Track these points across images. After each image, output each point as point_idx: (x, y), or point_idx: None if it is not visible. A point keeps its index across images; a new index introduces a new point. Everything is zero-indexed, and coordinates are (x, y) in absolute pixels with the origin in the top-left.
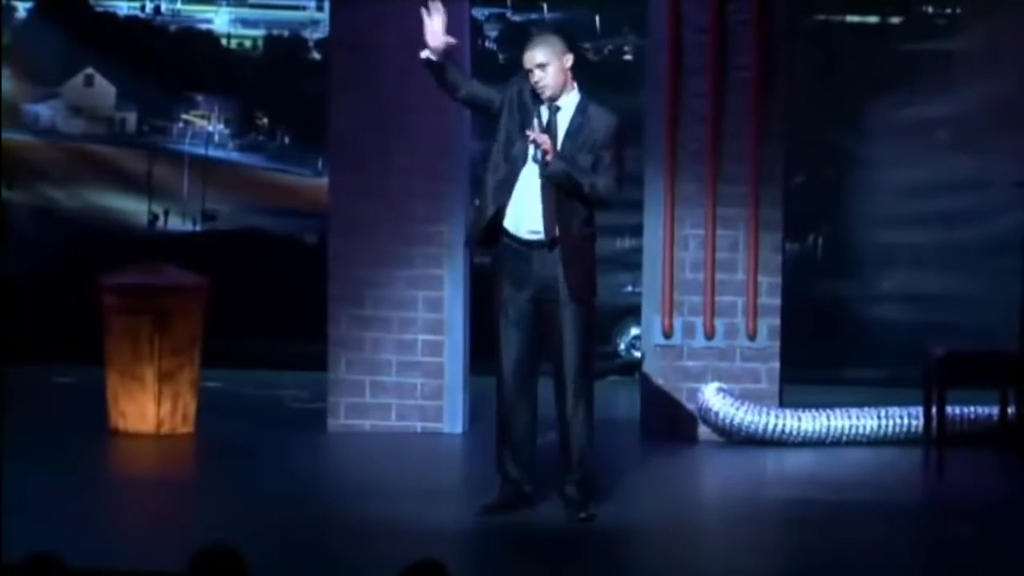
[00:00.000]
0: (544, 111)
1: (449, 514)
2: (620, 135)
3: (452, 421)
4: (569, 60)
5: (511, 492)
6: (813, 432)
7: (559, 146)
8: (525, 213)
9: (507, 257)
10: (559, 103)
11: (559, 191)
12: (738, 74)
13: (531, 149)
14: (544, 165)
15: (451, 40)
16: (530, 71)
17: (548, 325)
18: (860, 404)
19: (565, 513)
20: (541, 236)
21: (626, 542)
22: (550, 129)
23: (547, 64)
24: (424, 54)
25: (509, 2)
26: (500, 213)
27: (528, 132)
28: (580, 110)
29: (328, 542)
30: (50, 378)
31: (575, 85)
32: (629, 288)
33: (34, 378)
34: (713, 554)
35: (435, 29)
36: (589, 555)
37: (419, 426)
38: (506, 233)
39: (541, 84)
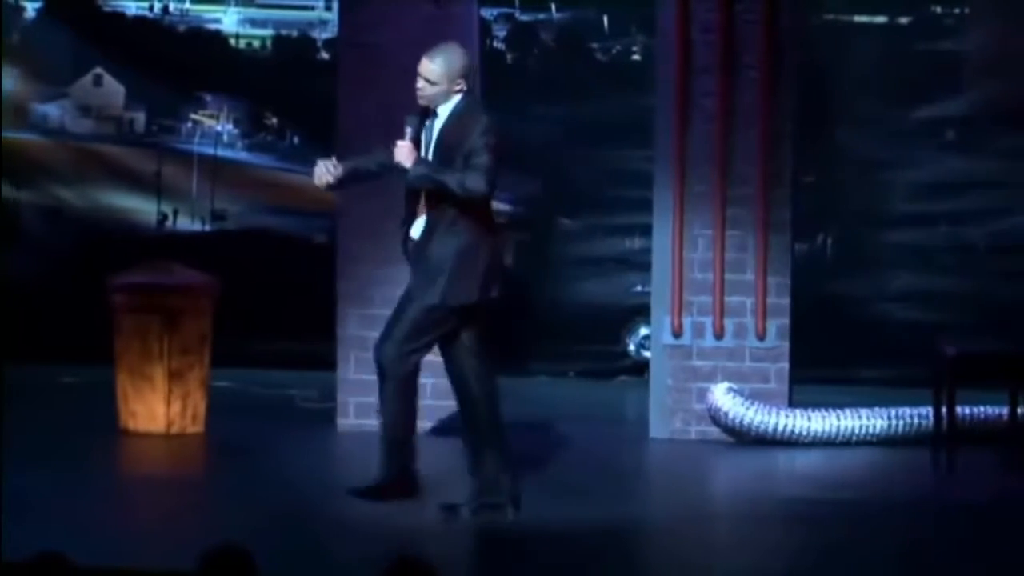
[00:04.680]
0: (415, 120)
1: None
2: (488, 131)
3: None
4: (459, 85)
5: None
6: (823, 432)
7: (431, 152)
8: (416, 217)
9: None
10: (437, 111)
11: (436, 198)
12: (747, 74)
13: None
14: (405, 172)
15: (336, 174)
16: (418, 76)
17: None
18: (870, 404)
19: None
20: (416, 236)
21: (635, 542)
22: (426, 137)
23: (434, 83)
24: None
25: (517, 2)
26: (408, 220)
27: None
28: (453, 114)
29: (337, 541)
30: (59, 378)
31: (460, 95)
32: (638, 288)
33: (43, 378)
34: (722, 554)
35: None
36: (596, 555)
37: (428, 425)
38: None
39: (419, 93)
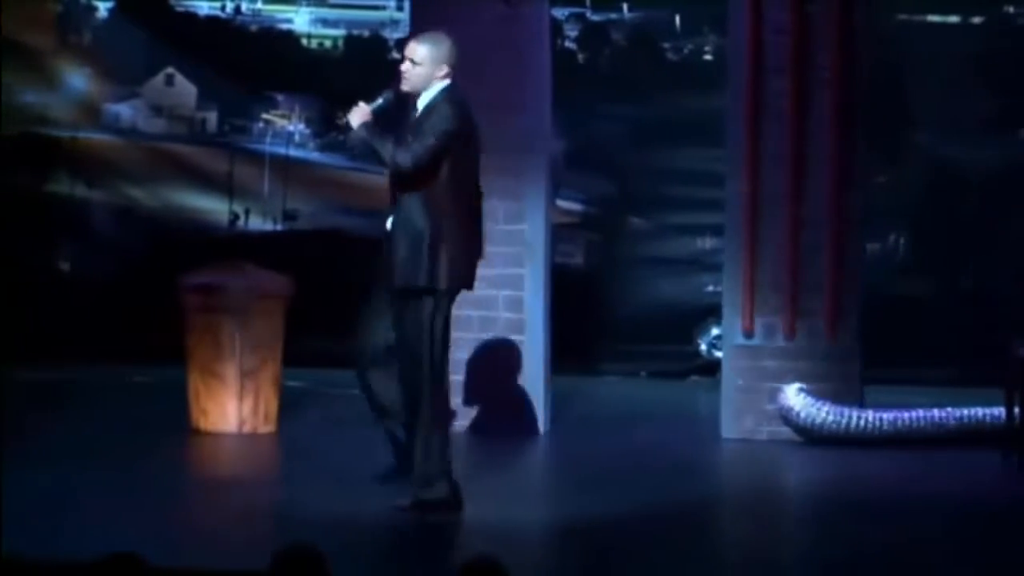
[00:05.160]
0: (389, 96)
1: (526, 514)
2: (446, 118)
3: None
4: (443, 71)
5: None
6: (894, 432)
7: (408, 137)
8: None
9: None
10: (417, 102)
11: (402, 184)
12: (819, 74)
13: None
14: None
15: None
16: (403, 58)
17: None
18: (941, 404)
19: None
20: (388, 227)
21: (702, 538)
22: (406, 126)
23: (419, 64)
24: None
25: (588, 2)
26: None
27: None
28: (429, 104)
29: (407, 541)
30: (131, 377)
31: (441, 85)
32: (710, 288)
33: (115, 377)
34: (787, 551)
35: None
36: (663, 552)
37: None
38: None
39: (403, 75)
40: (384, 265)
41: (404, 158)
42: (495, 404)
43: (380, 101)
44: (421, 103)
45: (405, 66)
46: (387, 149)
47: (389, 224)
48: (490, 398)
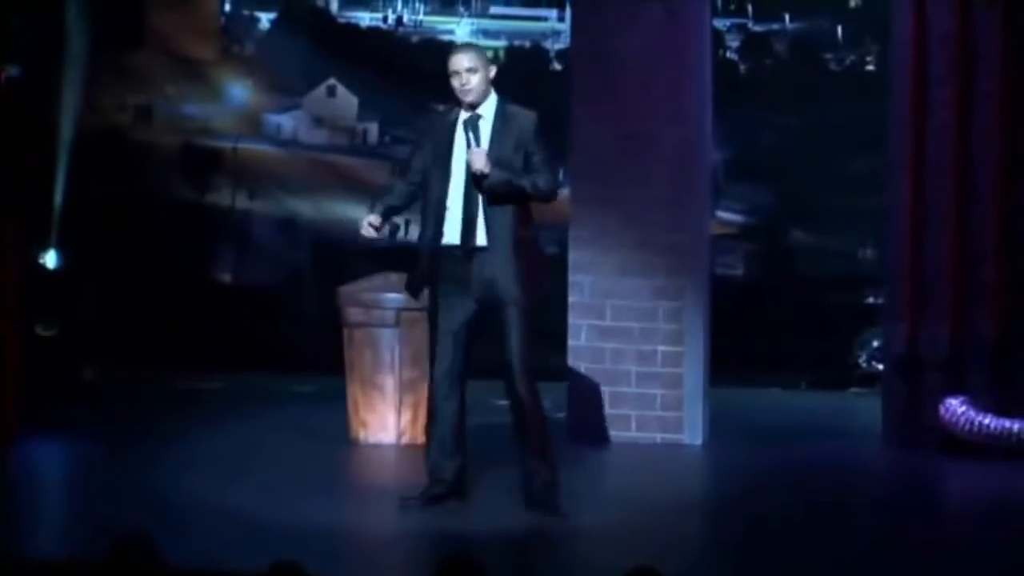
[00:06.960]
0: (461, 126)
1: (685, 524)
2: (542, 129)
3: (692, 432)
4: (493, 71)
5: (438, 486)
6: None
7: (487, 152)
8: (463, 223)
9: (448, 264)
10: (480, 111)
11: (493, 199)
12: (984, 84)
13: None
14: (483, 177)
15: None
16: (456, 74)
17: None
18: None
19: (527, 510)
20: (477, 243)
21: (871, 548)
22: (477, 140)
23: (475, 69)
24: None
25: (750, 12)
26: (440, 229)
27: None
28: (499, 114)
29: (565, 550)
30: (291, 387)
31: (493, 92)
32: (870, 299)
33: (275, 387)
34: (950, 563)
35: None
36: (826, 561)
37: (659, 437)
38: (447, 243)
39: (466, 88)
40: (482, 280)
41: (549, 183)
42: (652, 414)
43: (471, 136)
44: (487, 111)
45: (463, 80)
46: (529, 181)
47: (459, 237)
48: (647, 408)
